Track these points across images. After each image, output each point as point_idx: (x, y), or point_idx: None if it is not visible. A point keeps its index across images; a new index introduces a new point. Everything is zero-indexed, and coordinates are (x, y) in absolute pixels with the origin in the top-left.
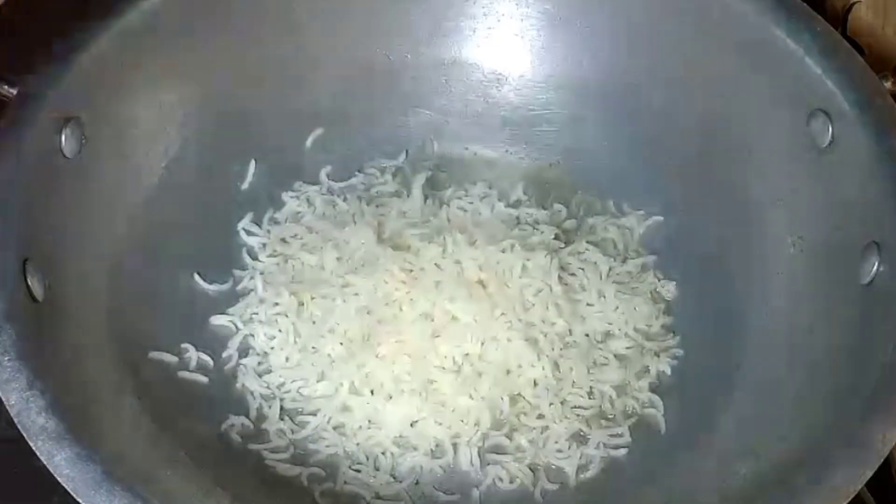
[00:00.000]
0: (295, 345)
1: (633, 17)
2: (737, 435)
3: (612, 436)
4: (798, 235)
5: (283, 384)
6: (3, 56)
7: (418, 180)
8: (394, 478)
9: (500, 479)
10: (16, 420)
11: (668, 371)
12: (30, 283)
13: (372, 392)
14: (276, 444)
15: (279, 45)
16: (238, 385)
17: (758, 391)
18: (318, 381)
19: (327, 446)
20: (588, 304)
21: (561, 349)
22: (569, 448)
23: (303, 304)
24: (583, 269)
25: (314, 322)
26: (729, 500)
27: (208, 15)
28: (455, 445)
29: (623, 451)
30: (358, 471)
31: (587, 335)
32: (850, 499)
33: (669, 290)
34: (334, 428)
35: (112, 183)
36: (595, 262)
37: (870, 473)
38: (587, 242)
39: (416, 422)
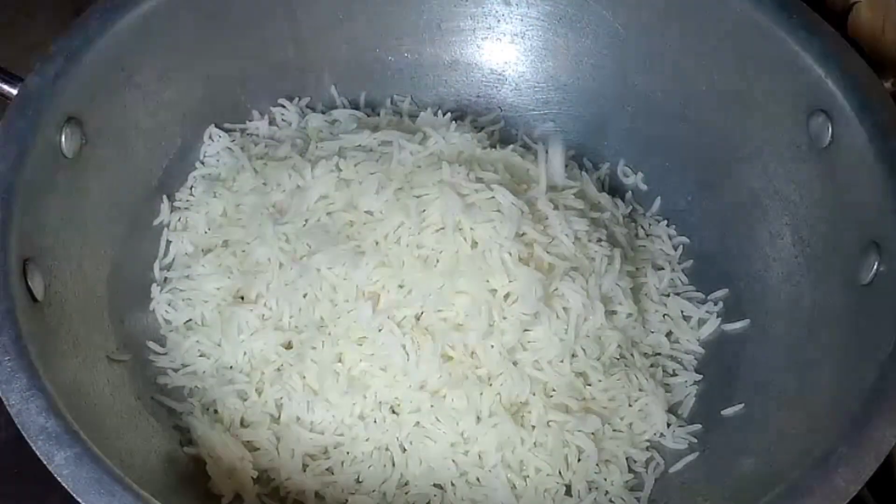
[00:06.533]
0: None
1: (633, 17)
2: (737, 435)
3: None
4: (798, 235)
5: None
6: (3, 56)
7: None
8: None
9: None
10: (16, 420)
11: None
12: (30, 283)
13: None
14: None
15: (279, 45)
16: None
17: (758, 391)
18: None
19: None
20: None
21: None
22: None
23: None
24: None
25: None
26: (729, 499)
27: (208, 15)
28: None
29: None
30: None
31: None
32: (850, 499)
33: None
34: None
35: (112, 183)
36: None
37: (870, 473)
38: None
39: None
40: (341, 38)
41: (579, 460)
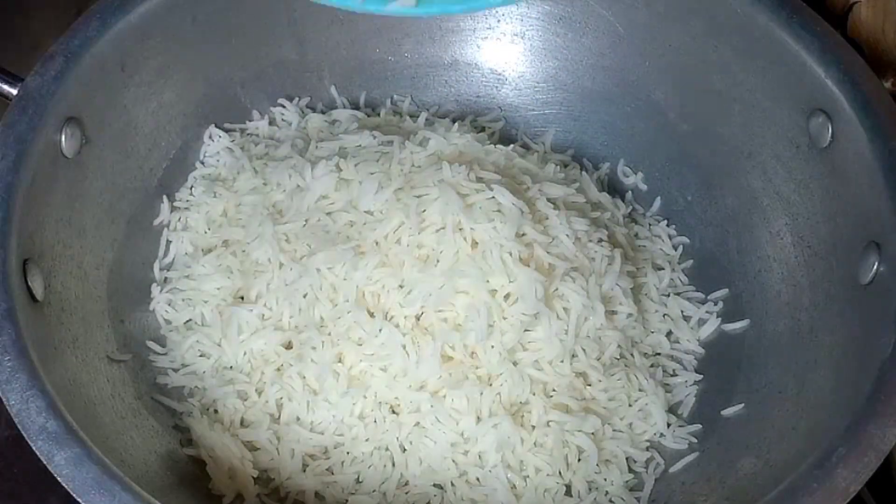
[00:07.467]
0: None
1: (633, 17)
2: (737, 435)
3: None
4: (798, 235)
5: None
6: (3, 56)
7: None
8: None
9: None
10: (16, 420)
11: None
12: (30, 283)
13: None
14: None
15: (279, 45)
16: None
17: (758, 391)
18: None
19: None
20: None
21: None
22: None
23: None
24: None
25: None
26: (729, 499)
27: (208, 16)
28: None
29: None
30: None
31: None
32: (850, 499)
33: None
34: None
35: (112, 183)
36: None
37: (870, 473)
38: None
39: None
40: (341, 38)
41: (579, 460)
